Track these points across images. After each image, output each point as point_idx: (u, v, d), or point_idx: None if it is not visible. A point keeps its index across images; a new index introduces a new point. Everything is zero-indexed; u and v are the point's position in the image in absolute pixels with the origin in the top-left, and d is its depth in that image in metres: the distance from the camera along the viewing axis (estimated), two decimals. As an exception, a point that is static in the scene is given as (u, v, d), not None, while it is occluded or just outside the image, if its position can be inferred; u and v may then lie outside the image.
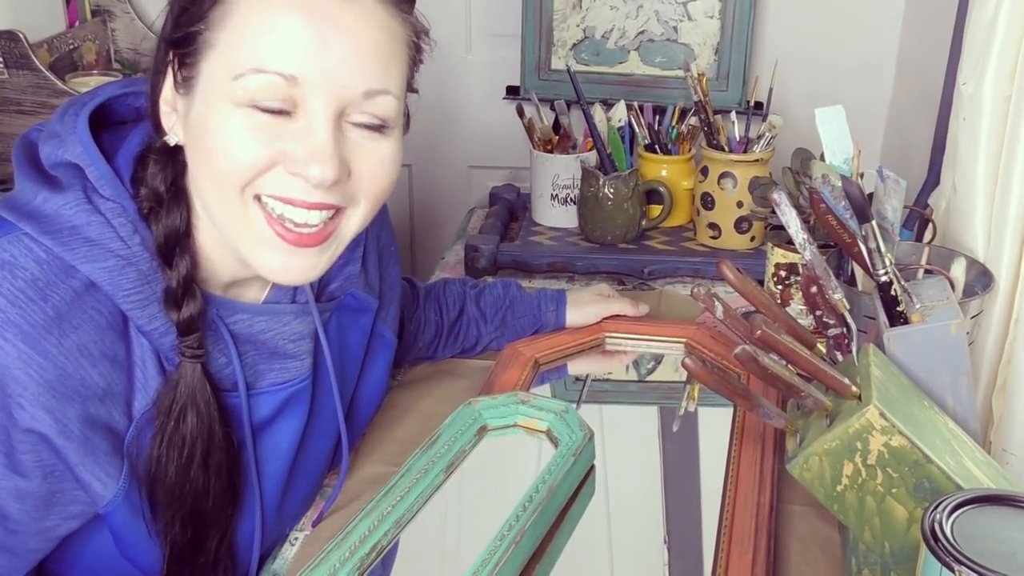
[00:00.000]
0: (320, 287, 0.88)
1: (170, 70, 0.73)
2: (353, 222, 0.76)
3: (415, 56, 0.78)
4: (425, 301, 1.14)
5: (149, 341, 0.74)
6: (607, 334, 1.17)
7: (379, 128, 0.73)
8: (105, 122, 0.78)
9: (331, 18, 0.69)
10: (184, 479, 0.77)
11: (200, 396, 0.77)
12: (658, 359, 1.18)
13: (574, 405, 0.93)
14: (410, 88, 0.78)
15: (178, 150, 0.75)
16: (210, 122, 0.70)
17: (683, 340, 1.15)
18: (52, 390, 0.68)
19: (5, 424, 0.68)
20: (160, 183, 0.74)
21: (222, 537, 0.82)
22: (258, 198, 0.72)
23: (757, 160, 1.39)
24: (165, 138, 0.74)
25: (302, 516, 0.91)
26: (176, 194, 0.75)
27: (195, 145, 0.72)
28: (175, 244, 0.74)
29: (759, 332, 0.77)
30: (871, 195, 0.98)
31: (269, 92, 0.68)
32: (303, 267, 0.75)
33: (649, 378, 1.17)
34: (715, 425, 1.00)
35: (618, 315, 1.18)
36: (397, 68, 0.74)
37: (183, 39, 0.71)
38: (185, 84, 0.72)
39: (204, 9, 0.70)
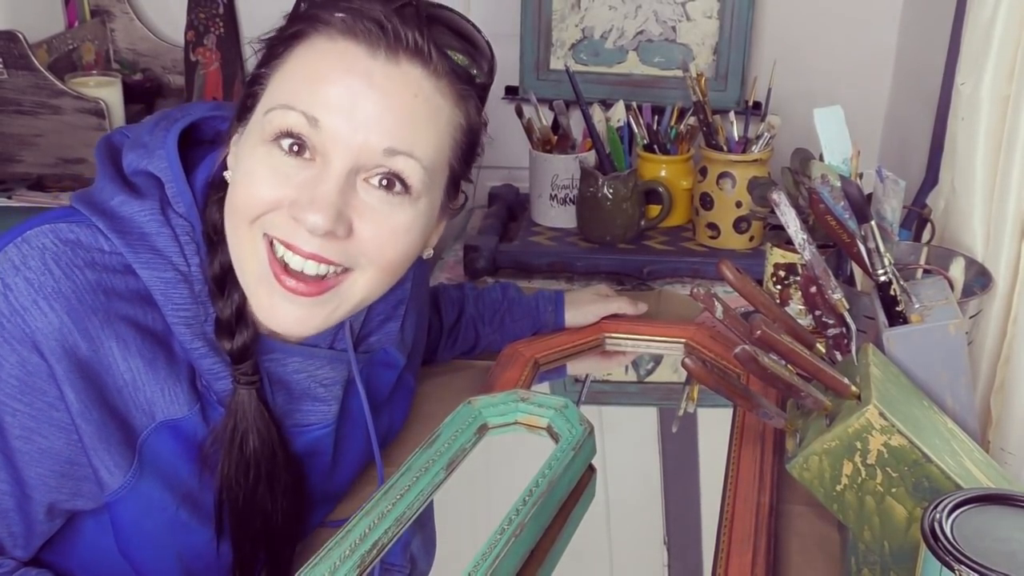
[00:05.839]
0: (359, 338, 0.89)
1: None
2: (359, 286, 0.76)
3: (465, 144, 0.77)
4: None
5: (189, 359, 0.75)
6: (606, 334, 1.17)
7: (395, 189, 0.72)
8: (189, 139, 0.79)
9: (368, 77, 0.70)
10: (253, 501, 0.79)
11: (260, 420, 0.78)
12: (657, 360, 1.18)
13: (571, 402, 0.93)
14: (465, 177, 0.80)
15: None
16: (241, 155, 0.73)
17: (683, 340, 1.15)
18: (81, 369, 0.70)
19: (41, 386, 0.70)
20: (219, 215, 0.76)
21: (291, 553, 0.84)
22: (267, 237, 0.73)
23: (756, 160, 1.40)
24: (225, 173, 0.76)
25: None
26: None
27: (231, 177, 0.75)
28: (227, 275, 0.76)
29: (759, 332, 0.77)
30: (870, 195, 0.98)
31: (292, 131, 0.70)
32: (296, 316, 0.74)
33: (648, 379, 1.18)
34: (715, 425, 1.00)
35: (617, 314, 1.18)
36: (431, 140, 0.73)
37: (252, 80, 0.75)
38: (242, 123, 0.75)
39: (273, 55, 0.74)
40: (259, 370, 0.78)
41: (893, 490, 0.71)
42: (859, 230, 0.85)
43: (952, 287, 0.93)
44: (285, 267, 0.72)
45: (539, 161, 1.51)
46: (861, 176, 1.08)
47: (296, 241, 0.71)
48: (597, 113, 1.49)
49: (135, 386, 0.73)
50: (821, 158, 1.07)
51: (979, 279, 0.98)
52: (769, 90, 1.46)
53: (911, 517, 0.71)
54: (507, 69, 1.71)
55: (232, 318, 0.76)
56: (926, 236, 1.10)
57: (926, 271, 1.00)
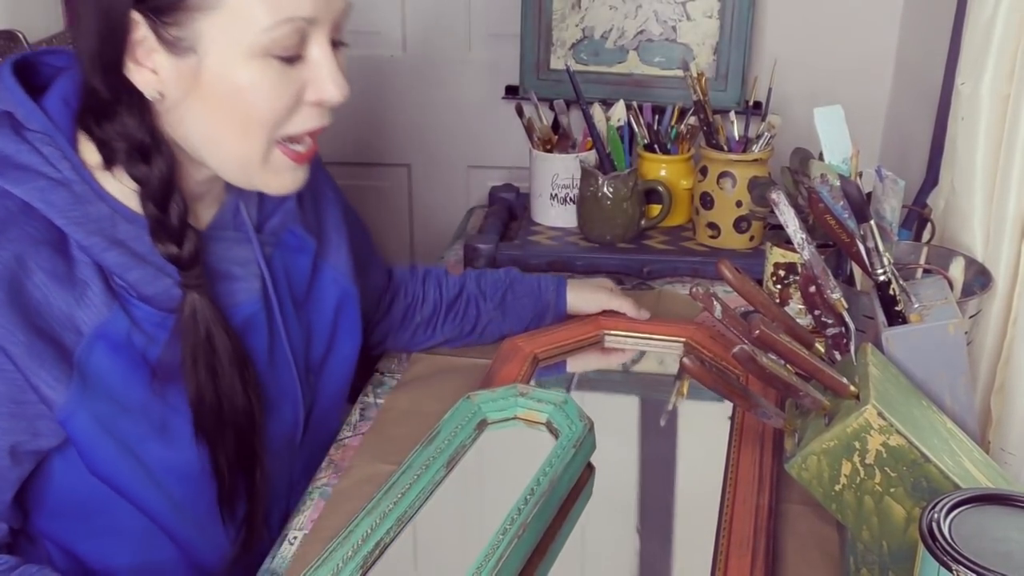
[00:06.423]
0: (261, 221, 0.91)
1: (140, 31, 0.75)
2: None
3: None
4: (425, 278, 1.17)
5: (90, 258, 0.77)
6: (606, 331, 1.17)
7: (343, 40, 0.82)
8: (30, 85, 0.81)
9: None
10: (232, 399, 0.83)
11: (221, 319, 0.82)
12: (644, 353, 1.18)
13: (571, 397, 0.93)
14: None
15: (144, 101, 0.78)
16: (239, 79, 0.76)
17: (682, 339, 1.15)
18: None
19: None
20: (143, 134, 0.78)
21: (262, 443, 0.87)
22: (280, 142, 0.79)
23: (756, 160, 1.39)
24: (147, 94, 0.77)
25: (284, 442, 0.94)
26: (157, 141, 0.79)
27: (215, 100, 0.77)
28: (168, 188, 0.79)
29: (758, 332, 0.77)
30: (869, 195, 0.98)
31: (293, 39, 0.75)
32: (302, 178, 0.84)
33: (634, 368, 1.17)
34: (714, 424, 1.00)
35: (618, 313, 1.18)
36: None
37: (164, 6, 0.74)
38: (174, 44, 0.75)
39: None
40: (204, 275, 0.82)
41: (892, 490, 0.71)
42: (858, 230, 0.85)
43: (952, 287, 0.93)
44: (298, 153, 0.81)
45: (539, 160, 1.51)
46: (861, 175, 1.08)
47: (315, 124, 0.81)
48: (597, 113, 1.49)
49: (48, 302, 0.75)
50: (821, 157, 1.07)
51: (979, 279, 0.98)
52: (769, 90, 1.46)
53: (910, 517, 0.71)
54: (507, 69, 1.72)
55: (178, 227, 0.79)
56: (926, 236, 1.10)
57: (926, 271, 1.00)
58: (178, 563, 0.88)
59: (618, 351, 1.18)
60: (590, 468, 0.90)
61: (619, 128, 1.49)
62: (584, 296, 1.18)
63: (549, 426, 0.90)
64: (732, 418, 0.98)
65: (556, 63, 1.69)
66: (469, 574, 0.71)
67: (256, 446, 0.86)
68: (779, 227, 0.89)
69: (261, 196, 0.91)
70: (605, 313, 1.18)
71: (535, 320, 1.17)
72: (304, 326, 0.95)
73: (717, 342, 1.12)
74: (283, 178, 0.82)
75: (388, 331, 1.16)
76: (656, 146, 1.51)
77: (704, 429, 1.03)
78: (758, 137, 1.42)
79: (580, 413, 0.88)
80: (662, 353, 1.17)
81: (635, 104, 1.51)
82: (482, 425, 0.91)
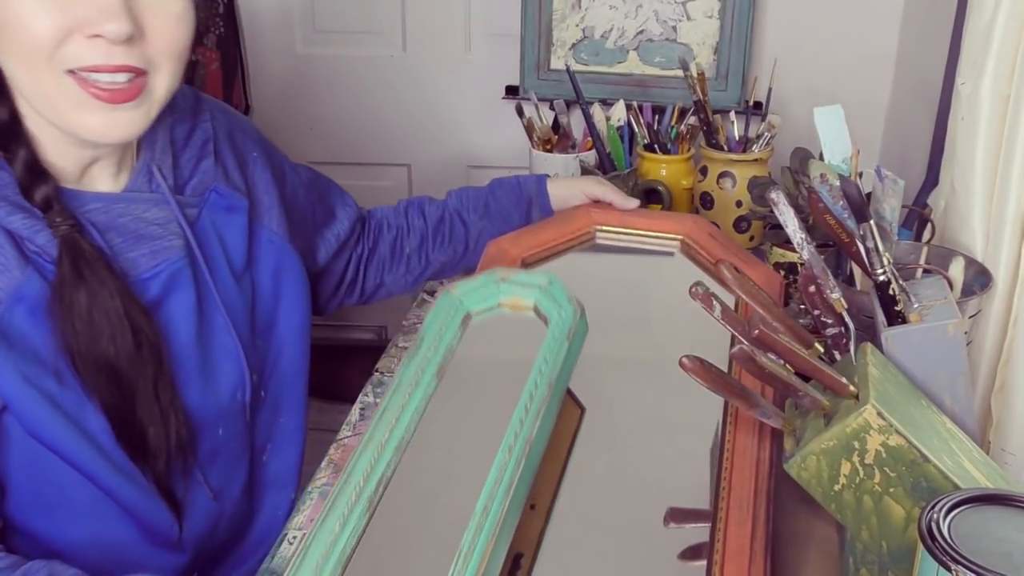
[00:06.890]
0: (180, 185, 0.90)
1: None
2: (161, 83, 0.80)
3: None
4: (407, 209, 1.17)
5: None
6: (598, 227, 1.09)
7: None
8: None
9: None
10: (102, 347, 0.80)
11: (95, 264, 0.80)
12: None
13: (556, 277, 0.84)
14: None
15: None
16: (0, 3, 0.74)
17: (679, 236, 1.08)
18: None
19: None
20: None
21: (156, 396, 0.84)
22: (71, 74, 0.76)
23: (756, 159, 1.40)
24: None
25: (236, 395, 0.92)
26: None
27: None
28: (8, 133, 0.78)
29: (757, 331, 0.77)
30: (869, 195, 0.98)
31: None
32: (124, 123, 0.79)
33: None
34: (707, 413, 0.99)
35: (604, 203, 1.14)
36: None
37: None
38: None
39: None
40: (74, 216, 0.80)
41: (891, 490, 0.71)
42: (858, 230, 0.85)
43: (951, 287, 0.93)
44: (96, 86, 0.76)
45: (539, 160, 1.50)
46: (861, 175, 1.08)
47: (100, 60, 0.75)
48: (597, 112, 1.49)
49: None
50: (821, 157, 1.07)
51: (979, 279, 0.98)
52: (770, 90, 1.46)
53: (909, 517, 0.71)
54: (508, 69, 1.72)
55: (26, 173, 0.78)
56: (926, 236, 1.10)
57: (925, 271, 1.00)
58: (133, 534, 0.87)
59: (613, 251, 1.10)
60: (580, 409, 0.85)
61: (619, 128, 1.49)
62: (566, 184, 1.16)
63: (537, 311, 0.83)
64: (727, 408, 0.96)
65: (556, 63, 1.69)
66: (482, 502, 0.66)
67: (135, 397, 0.83)
68: (779, 227, 0.89)
69: (175, 160, 0.90)
70: (597, 205, 1.13)
71: (524, 220, 1.15)
72: (247, 286, 0.94)
73: (715, 240, 1.06)
74: (90, 118, 0.78)
75: (382, 270, 1.16)
76: (656, 146, 1.51)
77: (698, 416, 1.00)
78: (758, 137, 1.42)
79: (568, 296, 0.81)
80: (658, 250, 1.09)
81: (635, 104, 1.52)
82: (467, 320, 0.84)
